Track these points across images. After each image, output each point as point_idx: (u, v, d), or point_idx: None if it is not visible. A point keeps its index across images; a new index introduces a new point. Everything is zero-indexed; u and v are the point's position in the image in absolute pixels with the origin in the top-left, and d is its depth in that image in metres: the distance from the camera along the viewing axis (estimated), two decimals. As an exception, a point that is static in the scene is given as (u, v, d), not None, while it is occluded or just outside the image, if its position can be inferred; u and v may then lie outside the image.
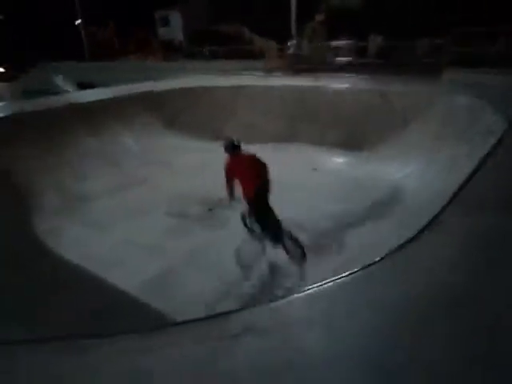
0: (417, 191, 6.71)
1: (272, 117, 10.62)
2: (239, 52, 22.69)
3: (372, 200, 7.04)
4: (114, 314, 4.41)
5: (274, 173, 8.91)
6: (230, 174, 5.39)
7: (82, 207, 7.57)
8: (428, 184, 6.73)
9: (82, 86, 20.81)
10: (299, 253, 5.29)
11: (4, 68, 29.07)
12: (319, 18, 24.94)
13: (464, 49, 11.09)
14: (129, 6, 33.80)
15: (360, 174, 8.16)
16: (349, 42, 20.80)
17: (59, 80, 20.29)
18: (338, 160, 8.97)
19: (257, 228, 5.66)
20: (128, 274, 5.31)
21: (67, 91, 19.42)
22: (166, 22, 34.66)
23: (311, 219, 6.51)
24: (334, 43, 20.12)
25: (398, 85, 10.01)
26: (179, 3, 34.18)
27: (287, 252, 5.38)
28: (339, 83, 10.78)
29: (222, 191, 7.50)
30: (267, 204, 5.46)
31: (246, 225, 5.99)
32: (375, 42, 20.73)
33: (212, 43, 26.18)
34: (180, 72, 15.93)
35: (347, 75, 11.79)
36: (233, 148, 5.36)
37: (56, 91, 19.08)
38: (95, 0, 32.48)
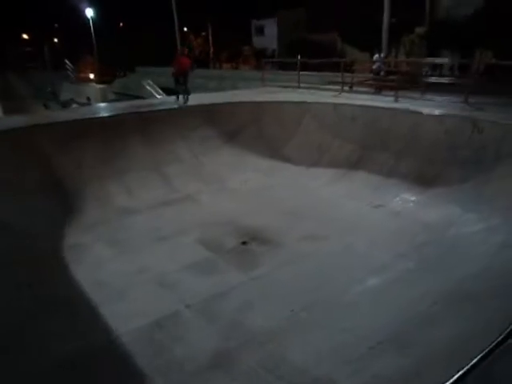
0: (491, 261, 5.22)
1: (341, 138, 9.50)
2: (329, 63, 21.60)
3: (429, 258, 5.69)
4: (88, 368, 3.81)
5: (331, 205, 8.07)
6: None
7: (118, 223, 7.23)
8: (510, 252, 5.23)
9: (168, 91, 21.44)
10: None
11: (108, 71, 31.35)
12: (420, 30, 23.01)
13: None
14: (226, 15, 34.45)
15: (431, 219, 6.76)
16: (451, 58, 18.78)
17: (148, 84, 21.04)
18: (406, 198, 7.58)
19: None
20: (129, 313, 4.71)
21: (153, 96, 20.03)
22: (261, 31, 34.80)
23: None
24: (434, 59, 18.30)
25: (498, 113, 8.30)
26: (276, 13, 34.11)
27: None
28: (425, 106, 9.30)
29: (265, 222, 6.67)
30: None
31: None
32: (482, 59, 18.40)
33: (304, 53, 25.49)
34: (263, 82, 15.39)
35: (440, 97, 10.15)
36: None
37: (142, 95, 19.84)
38: (193, 8, 33.63)
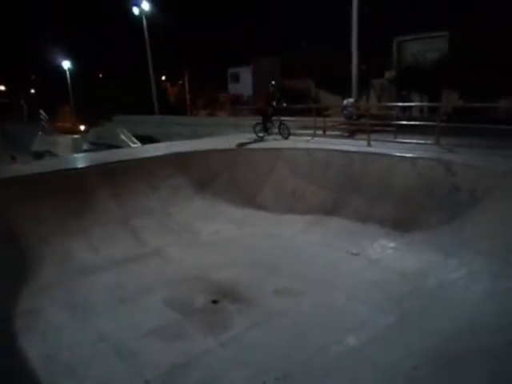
0: (482, 313, 4.90)
1: (314, 184, 9.30)
2: (303, 108, 21.91)
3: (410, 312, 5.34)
4: None
5: (306, 255, 7.71)
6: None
7: (78, 283, 6.67)
8: (503, 302, 4.92)
9: (143, 139, 21.35)
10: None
11: (84, 121, 31.26)
12: (389, 75, 23.83)
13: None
14: (202, 63, 35.23)
15: (410, 267, 6.45)
16: (420, 100, 19.32)
17: (122, 133, 20.90)
18: (384, 244, 7.30)
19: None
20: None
21: (128, 145, 19.85)
22: (236, 79, 35.62)
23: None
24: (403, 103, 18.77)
25: (471, 155, 8.27)
26: (251, 61, 35.11)
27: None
28: (396, 148, 9.27)
29: (237, 276, 6.22)
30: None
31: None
32: (450, 100, 18.98)
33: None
34: (237, 128, 15.37)
35: (410, 140, 10.15)
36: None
37: (118, 144, 19.62)
38: (171, 57, 34.38)
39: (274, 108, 12.45)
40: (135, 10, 26.70)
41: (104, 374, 4.47)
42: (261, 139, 12.37)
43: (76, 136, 24.31)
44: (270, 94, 12.56)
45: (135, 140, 20.81)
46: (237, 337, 5.12)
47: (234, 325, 5.39)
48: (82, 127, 30.09)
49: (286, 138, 12.07)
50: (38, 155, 21.35)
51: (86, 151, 19.24)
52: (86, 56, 40.61)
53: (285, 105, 12.76)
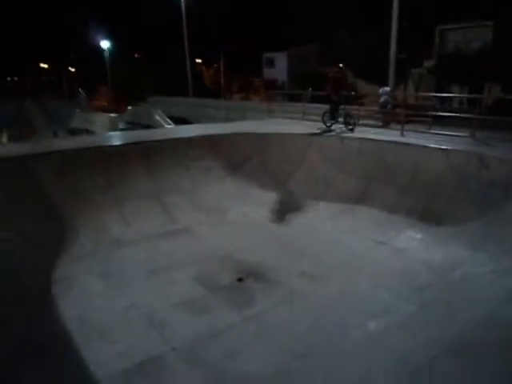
0: (507, 307, 4.89)
1: (345, 172, 9.29)
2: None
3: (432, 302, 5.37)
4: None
5: (332, 242, 7.79)
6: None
7: (111, 254, 7.04)
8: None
9: (177, 120, 21.71)
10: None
11: (121, 101, 31.97)
12: (428, 64, 23.13)
13: None
14: (238, 47, 35.22)
15: (436, 259, 6.44)
16: (460, 92, 18.74)
17: (157, 114, 21.31)
18: (411, 235, 7.28)
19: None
20: (110, 355, 4.44)
21: (162, 125, 20.23)
22: (271, 63, 35.43)
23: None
24: (443, 93, 18.27)
25: (507, 148, 8.07)
26: (287, 47, 34.80)
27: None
28: (431, 140, 9.13)
29: (263, 258, 6.32)
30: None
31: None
32: (491, 93, 18.32)
33: (314, 85, 25.70)
34: (270, 113, 15.43)
35: (445, 131, 9.96)
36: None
37: (152, 125, 20.06)
38: (208, 40, 34.47)
39: (343, 96, 11.23)
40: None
41: (134, 339, 4.77)
42: (328, 129, 11.21)
43: (113, 115, 24.95)
44: (339, 79, 11.38)
45: (169, 121, 21.19)
46: (260, 314, 5.32)
47: (258, 302, 5.59)
48: (119, 106, 30.79)
49: (352, 130, 10.66)
50: (76, 132, 22.08)
51: (122, 130, 19.75)
52: (125, 36, 41.31)
53: (353, 93, 11.71)
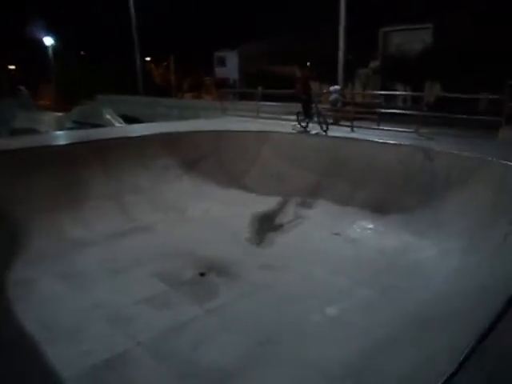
0: (452, 283, 5.35)
1: (298, 168, 9.61)
2: (289, 94, 22.02)
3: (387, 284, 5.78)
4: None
5: (288, 233, 8.08)
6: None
7: (69, 255, 6.86)
8: (469, 273, 5.38)
9: (128, 119, 21.25)
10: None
11: (67, 99, 30.74)
12: (374, 64, 24.14)
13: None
14: (189, 46, 34.96)
15: (388, 246, 6.88)
16: (404, 90, 19.73)
17: (107, 113, 20.76)
18: (364, 225, 7.71)
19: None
20: (76, 354, 4.39)
21: (113, 124, 19.75)
22: (222, 62, 35.47)
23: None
24: (387, 92, 19.12)
25: (448, 143, 8.71)
26: (238, 46, 34.96)
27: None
28: (378, 135, 9.66)
29: (223, 252, 6.43)
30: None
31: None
32: (432, 91, 19.44)
33: (265, 84, 26.02)
34: (224, 111, 15.52)
35: (391, 127, 10.55)
36: None
37: (102, 124, 19.52)
38: (157, 38, 33.95)
39: (311, 95, 11.22)
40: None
41: (99, 337, 4.74)
42: (304, 130, 11.11)
43: (59, 114, 24.00)
44: (307, 79, 11.40)
45: (121, 120, 20.71)
46: (223, 306, 5.45)
47: (220, 295, 5.72)
48: (65, 105, 29.62)
49: (326, 132, 10.43)
50: (22, 132, 21.03)
51: (69, 129, 19.05)
52: (71, 33, 39.64)
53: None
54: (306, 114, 11.08)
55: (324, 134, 10.40)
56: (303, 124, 11.22)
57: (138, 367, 4.25)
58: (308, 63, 10.15)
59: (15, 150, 8.30)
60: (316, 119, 10.88)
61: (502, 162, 6.86)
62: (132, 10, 24.98)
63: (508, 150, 7.67)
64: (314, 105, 11.07)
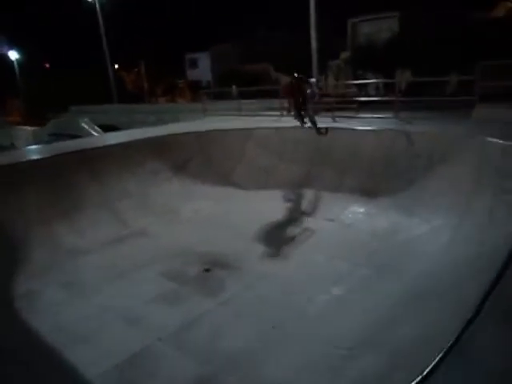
0: (442, 258, 5.68)
1: (285, 161, 9.86)
2: (265, 91, 22.25)
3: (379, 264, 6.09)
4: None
5: (282, 223, 8.30)
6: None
7: (70, 264, 6.92)
8: (458, 247, 5.70)
9: (106, 128, 21.06)
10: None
11: (38, 113, 30.21)
12: (344, 55, 24.62)
13: (496, 83, 10.05)
14: (159, 49, 34.84)
15: (380, 227, 7.19)
16: (375, 79, 20.22)
17: (84, 123, 20.54)
18: (355, 210, 8.02)
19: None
20: (96, 354, 4.52)
21: (91, 134, 19.56)
22: (194, 64, 35.49)
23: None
24: (359, 81, 19.57)
25: (426, 125, 9.10)
26: (209, 47, 35.03)
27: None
28: (360, 123, 9.98)
29: (223, 248, 6.58)
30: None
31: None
32: (403, 77, 19.98)
33: (239, 83, 26.18)
34: (201, 113, 15.62)
35: (371, 114, 10.92)
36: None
37: (80, 134, 19.28)
38: (126, 44, 33.67)
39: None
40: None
41: (117, 338, 4.86)
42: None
43: (35, 128, 23.60)
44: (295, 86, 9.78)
45: (98, 129, 20.51)
46: (232, 297, 5.65)
47: (228, 288, 5.91)
48: (36, 119, 29.09)
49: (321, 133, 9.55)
50: (0, 149, 20.57)
51: (47, 142, 18.77)
52: (35, 46, 38.91)
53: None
54: (299, 115, 10.13)
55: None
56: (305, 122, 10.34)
57: (164, 359, 4.40)
58: (295, 74, 9.06)
59: (2, 165, 8.23)
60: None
61: (480, 138, 7.23)
62: (100, 18, 24.73)
63: (483, 126, 8.07)
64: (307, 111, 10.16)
